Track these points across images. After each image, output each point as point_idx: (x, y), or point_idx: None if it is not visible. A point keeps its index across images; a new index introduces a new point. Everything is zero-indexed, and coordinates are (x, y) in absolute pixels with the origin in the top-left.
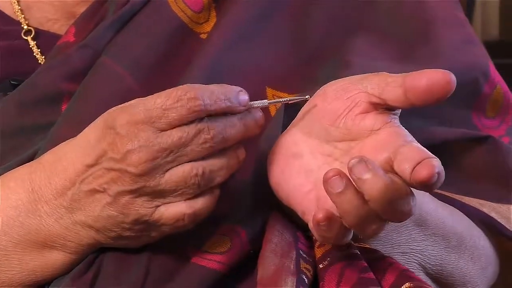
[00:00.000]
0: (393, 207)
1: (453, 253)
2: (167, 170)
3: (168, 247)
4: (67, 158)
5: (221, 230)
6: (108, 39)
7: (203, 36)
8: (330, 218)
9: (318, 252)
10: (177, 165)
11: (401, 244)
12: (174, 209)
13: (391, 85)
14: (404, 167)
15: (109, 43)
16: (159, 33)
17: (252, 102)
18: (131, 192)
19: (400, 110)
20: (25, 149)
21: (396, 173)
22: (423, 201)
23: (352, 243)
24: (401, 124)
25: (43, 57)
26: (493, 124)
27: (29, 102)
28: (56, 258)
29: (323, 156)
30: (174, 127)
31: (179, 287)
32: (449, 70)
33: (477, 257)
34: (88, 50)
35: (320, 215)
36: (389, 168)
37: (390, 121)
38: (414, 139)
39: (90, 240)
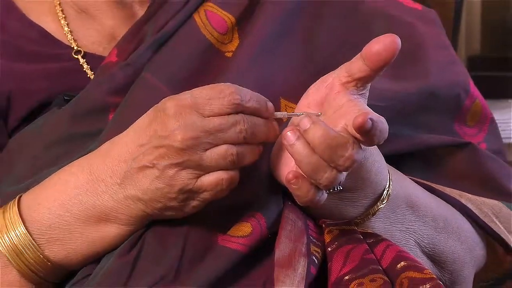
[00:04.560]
0: (334, 151)
1: (442, 233)
2: (207, 149)
3: (200, 233)
4: (121, 143)
5: (244, 217)
6: (147, 58)
7: (228, 54)
8: (297, 177)
9: (327, 238)
10: (214, 146)
11: (397, 222)
12: (214, 175)
13: (354, 60)
14: (350, 122)
15: (149, 61)
16: (191, 52)
17: (276, 113)
18: (177, 165)
19: (367, 89)
20: (77, 153)
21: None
22: (411, 186)
23: (356, 228)
24: (394, 133)
25: (92, 72)
26: (472, 132)
27: (80, 114)
28: (111, 230)
29: None
30: (215, 116)
31: (209, 265)
32: (436, 87)
33: (464, 238)
34: (130, 68)
35: (290, 175)
36: (348, 133)
37: (354, 98)
38: (370, 110)
39: (139, 212)
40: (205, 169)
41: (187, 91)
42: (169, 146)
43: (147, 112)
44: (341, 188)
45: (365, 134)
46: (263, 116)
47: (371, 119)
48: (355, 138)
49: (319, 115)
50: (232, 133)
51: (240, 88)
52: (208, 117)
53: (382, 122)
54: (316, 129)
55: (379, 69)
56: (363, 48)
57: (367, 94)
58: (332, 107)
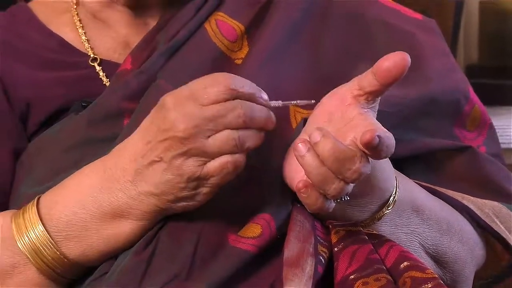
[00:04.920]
0: (342, 164)
1: (445, 235)
2: (209, 136)
3: (211, 233)
4: (130, 142)
5: (254, 219)
6: (160, 65)
7: (238, 61)
8: (306, 186)
9: (334, 238)
10: (216, 133)
11: (403, 226)
12: (219, 160)
13: (365, 74)
14: (358, 136)
15: (161, 68)
16: (202, 59)
17: (271, 102)
18: (182, 154)
19: (377, 102)
20: (93, 157)
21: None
22: (415, 190)
23: (362, 229)
24: (397, 137)
25: (108, 80)
26: (472, 136)
27: (97, 119)
28: (125, 226)
29: None
30: (213, 103)
31: (220, 264)
32: (437, 93)
33: (466, 240)
34: (143, 76)
35: (300, 184)
36: (356, 147)
37: (364, 112)
38: (379, 125)
39: (153, 207)
40: (210, 156)
41: (184, 85)
42: (172, 137)
43: (151, 112)
44: (348, 198)
45: (372, 150)
46: (257, 103)
47: (378, 136)
48: (363, 151)
49: (312, 103)
50: (231, 118)
51: (234, 76)
52: (207, 105)
53: (388, 138)
54: (325, 142)
55: (389, 84)
56: (374, 64)
57: (377, 107)
58: (343, 120)
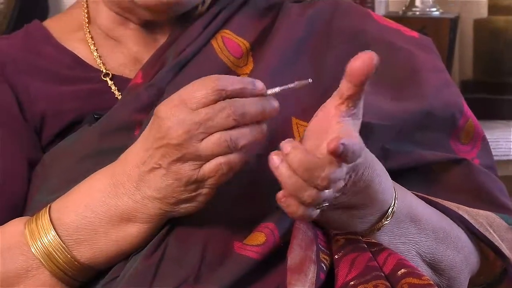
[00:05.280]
0: (311, 173)
1: (442, 244)
2: (202, 139)
3: (218, 240)
4: (133, 150)
5: (258, 228)
6: (169, 79)
7: (243, 76)
8: (285, 196)
9: (335, 246)
10: (208, 135)
11: (401, 236)
12: (213, 162)
13: (341, 82)
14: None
15: (170, 82)
16: (209, 74)
17: (268, 90)
18: (178, 160)
19: (359, 109)
20: (105, 165)
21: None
22: (413, 200)
23: (361, 238)
24: (396, 149)
25: (119, 93)
26: (467, 149)
27: (109, 131)
28: (132, 229)
29: None
30: (203, 107)
31: (226, 270)
32: (433, 108)
33: (461, 248)
34: (153, 89)
35: (279, 195)
36: (327, 155)
37: (342, 120)
38: (350, 132)
39: (157, 210)
40: (204, 159)
41: (175, 92)
42: (167, 144)
43: (150, 121)
44: (327, 204)
45: (338, 157)
46: (253, 94)
47: (342, 143)
48: (332, 158)
49: (310, 82)
50: (220, 120)
51: (221, 76)
52: (196, 109)
53: (354, 144)
54: (295, 153)
55: (362, 83)
56: (346, 69)
57: (360, 112)
58: (327, 131)
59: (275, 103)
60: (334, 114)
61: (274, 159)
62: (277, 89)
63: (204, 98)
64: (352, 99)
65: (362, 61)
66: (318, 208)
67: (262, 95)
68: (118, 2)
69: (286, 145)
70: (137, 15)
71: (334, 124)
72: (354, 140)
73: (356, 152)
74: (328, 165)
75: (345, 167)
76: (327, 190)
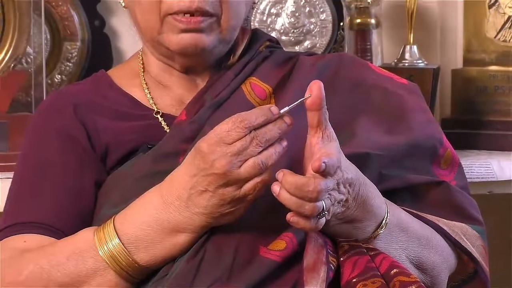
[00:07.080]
0: (301, 190)
1: (425, 248)
2: (240, 166)
3: (247, 246)
4: (179, 174)
5: (280, 236)
6: (207, 117)
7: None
8: (292, 215)
9: (340, 250)
10: (244, 162)
11: (392, 242)
12: (252, 182)
13: (307, 115)
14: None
15: (208, 119)
16: (239, 112)
17: (281, 111)
18: (223, 185)
19: (329, 131)
20: (157, 184)
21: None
22: (402, 214)
23: (362, 244)
24: (388, 174)
25: (168, 128)
26: (445, 173)
27: (159, 157)
28: (182, 238)
29: None
30: (236, 140)
31: (254, 269)
32: (418, 140)
33: (441, 251)
34: (194, 124)
35: (288, 216)
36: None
37: (320, 142)
38: (327, 151)
39: (203, 223)
40: (244, 181)
41: (211, 131)
42: (213, 174)
43: (190, 152)
44: (326, 213)
45: (322, 173)
46: (272, 120)
47: (324, 162)
48: (315, 174)
49: (308, 97)
50: (252, 148)
51: (246, 113)
52: (231, 143)
53: (332, 160)
54: (285, 177)
55: (317, 106)
56: (306, 103)
57: (332, 135)
58: (313, 156)
59: (288, 120)
60: (315, 143)
61: (274, 188)
62: (286, 108)
63: (237, 135)
64: (320, 125)
65: (311, 89)
66: (319, 218)
67: (278, 117)
68: (160, 52)
69: (279, 174)
70: (178, 62)
71: (316, 148)
72: (332, 156)
73: (334, 166)
74: (314, 181)
75: (331, 181)
76: (321, 201)
